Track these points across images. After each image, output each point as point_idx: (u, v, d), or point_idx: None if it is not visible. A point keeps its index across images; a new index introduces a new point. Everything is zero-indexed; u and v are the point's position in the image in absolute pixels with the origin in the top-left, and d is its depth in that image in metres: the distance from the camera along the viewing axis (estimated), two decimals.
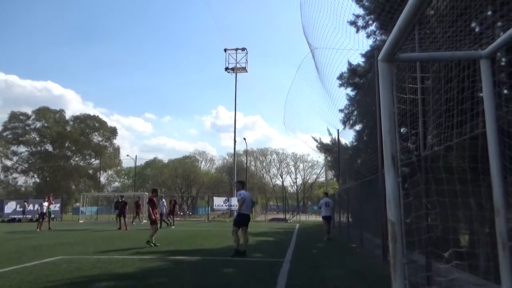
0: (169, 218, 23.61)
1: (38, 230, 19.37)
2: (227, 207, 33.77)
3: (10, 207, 31.63)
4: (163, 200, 24.30)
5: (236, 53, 38.13)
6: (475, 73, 3.84)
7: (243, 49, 38.37)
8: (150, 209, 11.68)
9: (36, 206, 31.77)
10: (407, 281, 2.47)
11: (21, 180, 60.87)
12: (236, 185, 10.06)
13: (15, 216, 31.04)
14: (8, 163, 58.82)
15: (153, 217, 11.60)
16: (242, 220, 9.44)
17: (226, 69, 38.19)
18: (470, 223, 4.80)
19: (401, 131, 6.87)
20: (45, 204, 20.74)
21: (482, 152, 3.27)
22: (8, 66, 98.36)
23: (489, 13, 4.66)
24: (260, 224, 27.41)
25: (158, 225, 21.21)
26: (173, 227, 22.10)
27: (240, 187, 9.86)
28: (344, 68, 14.11)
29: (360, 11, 11.94)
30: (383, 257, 8.04)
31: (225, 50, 38.39)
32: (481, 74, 3.00)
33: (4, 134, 58.27)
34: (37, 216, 21.19)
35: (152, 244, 11.12)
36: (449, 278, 3.89)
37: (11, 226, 23.98)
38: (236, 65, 37.84)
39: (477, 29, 4.88)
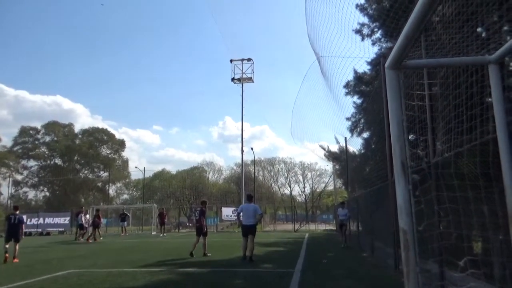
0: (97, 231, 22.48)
1: (82, 240, 21.00)
2: (235, 217, 33.65)
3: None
4: (81, 215, 22.28)
5: (242, 64, 38.32)
6: (484, 78, 3.82)
7: (249, 59, 38.57)
8: (203, 220, 12.15)
9: (47, 219, 32.14)
10: None
11: (31, 194, 61.52)
12: None
13: (26, 230, 31.25)
14: (19, 177, 59.56)
15: (205, 228, 12.17)
16: (242, 230, 10.62)
17: (233, 79, 38.38)
18: (483, 230, 4.72)
19: (410, 138, 6.82)
20: (83, 216, 21.95)
21: (494, 158, 3.23)
22: (17, 81, 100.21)
23: (496, 18, 4.64)
24: (269, 234, 27.23)
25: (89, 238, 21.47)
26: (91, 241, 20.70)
27: (246, 201, 11.00)
28: (350, 76, 14.11)
29: (365, 20, 11.98)
30: (395, 266, 7.92)
31: (231, 60, 38.60)
32: (489, 79, 2.97)
33: (15, 149, 59.08)
34: (77, 228, 22.60)
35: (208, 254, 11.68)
36: (464, 287, 3.82)
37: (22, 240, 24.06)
38: (242, 75, 38.04)
39: (484, 35, 4.85)
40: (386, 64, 2.65)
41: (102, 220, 24.13)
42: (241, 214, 10.58)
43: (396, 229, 6.65)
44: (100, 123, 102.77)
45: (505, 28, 4.59)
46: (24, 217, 32.82)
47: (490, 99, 3.20)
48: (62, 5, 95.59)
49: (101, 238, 21.99)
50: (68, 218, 32.42)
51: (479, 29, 4.75)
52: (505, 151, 2.82)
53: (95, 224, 21.29)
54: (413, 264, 2.40)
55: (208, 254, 11.60)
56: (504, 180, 2.80)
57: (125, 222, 28.30)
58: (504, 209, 2.88)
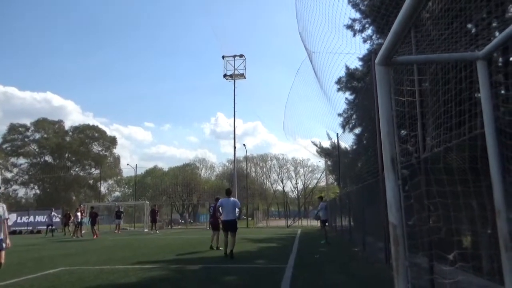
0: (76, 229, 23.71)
1: (77, 236, 22.49)
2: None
3: (11, 219, 31.55)
4: (77, 213, 23.66)
5: (234, 60, 38.26)
6: (472, 74, 3.85)
7: (241, 55, 38.53)
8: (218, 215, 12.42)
9: (37, 218, 31.86)
10: (410, 284, 2.45)
11: (21, 192, 60.76)
12: None
13: (16, 228, 30.97)
14: (8, 175, 58.79)
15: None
16: (222, 226, 10.66)
17: (225, 76, 38.28)
18: (472, 224, 4.79)
19: (400, 133, 6.87)
20: (79, 214, 23.55)
21: (482, 153, 3.27)
22: (7, 78, 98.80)
23: (484, 14, 4.68)
24: (261, 230, 27.30)
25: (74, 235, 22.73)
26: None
27: (225, 196, 10.77)
28: (342, 72, 14.13)
29: (357, 15, 11.99)
30: (386, 260, 8.00)
31: (223, 57, 38.49)
32: (478, 75, 3.01)
33: (4, 146, 58.26)
34: (75, 224, 23.95)
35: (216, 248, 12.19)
36: (453, 280, 3.87)
37: (12, 238, 23.84)
38: (234, 71, 37.94)
39: (473, 31, 4.90)
40: (376, 60, 2.65)
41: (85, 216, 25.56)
42: (221, 209, 10.57)
43: (387, 224, 6.71)
44: (91, 120, 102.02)
45: (494, 24, 4.63)
46: (14, 215, 32.68)
47: (478, 95, 3.23)
48: (53, 1, 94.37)
49: (81, 236, 22.87)
50: (59, 216, 32.12)
51: (468, 26, 4.79)
52: (493, 146, 2.86)
53: (93, 222, 22.88)
54: (403, 258, 2.43)
55: (221, 249, 11.66)
56: (491, 174, 2.84)
57: (121, 220, 28.35)
58: (492, 203, 2.92)
